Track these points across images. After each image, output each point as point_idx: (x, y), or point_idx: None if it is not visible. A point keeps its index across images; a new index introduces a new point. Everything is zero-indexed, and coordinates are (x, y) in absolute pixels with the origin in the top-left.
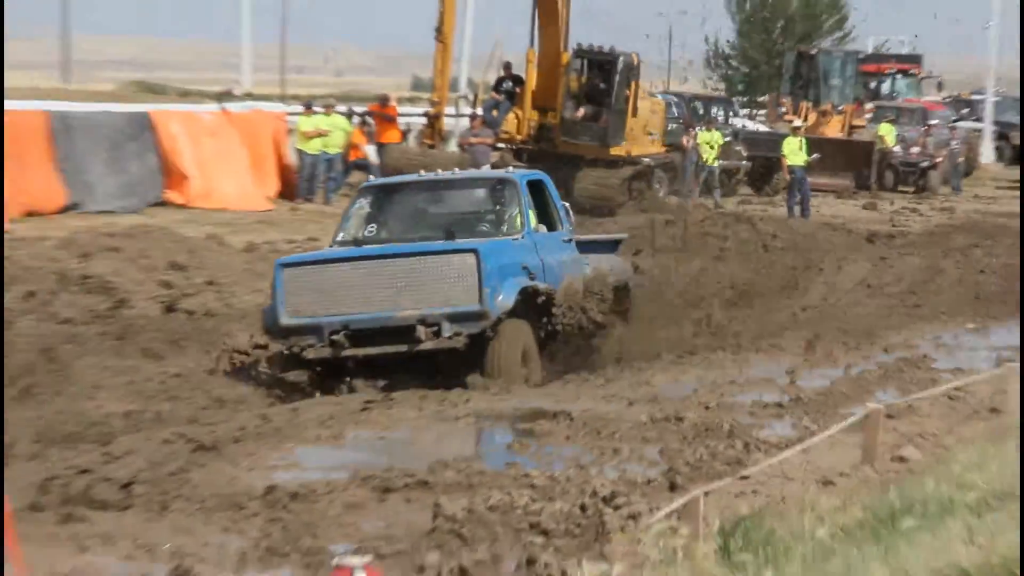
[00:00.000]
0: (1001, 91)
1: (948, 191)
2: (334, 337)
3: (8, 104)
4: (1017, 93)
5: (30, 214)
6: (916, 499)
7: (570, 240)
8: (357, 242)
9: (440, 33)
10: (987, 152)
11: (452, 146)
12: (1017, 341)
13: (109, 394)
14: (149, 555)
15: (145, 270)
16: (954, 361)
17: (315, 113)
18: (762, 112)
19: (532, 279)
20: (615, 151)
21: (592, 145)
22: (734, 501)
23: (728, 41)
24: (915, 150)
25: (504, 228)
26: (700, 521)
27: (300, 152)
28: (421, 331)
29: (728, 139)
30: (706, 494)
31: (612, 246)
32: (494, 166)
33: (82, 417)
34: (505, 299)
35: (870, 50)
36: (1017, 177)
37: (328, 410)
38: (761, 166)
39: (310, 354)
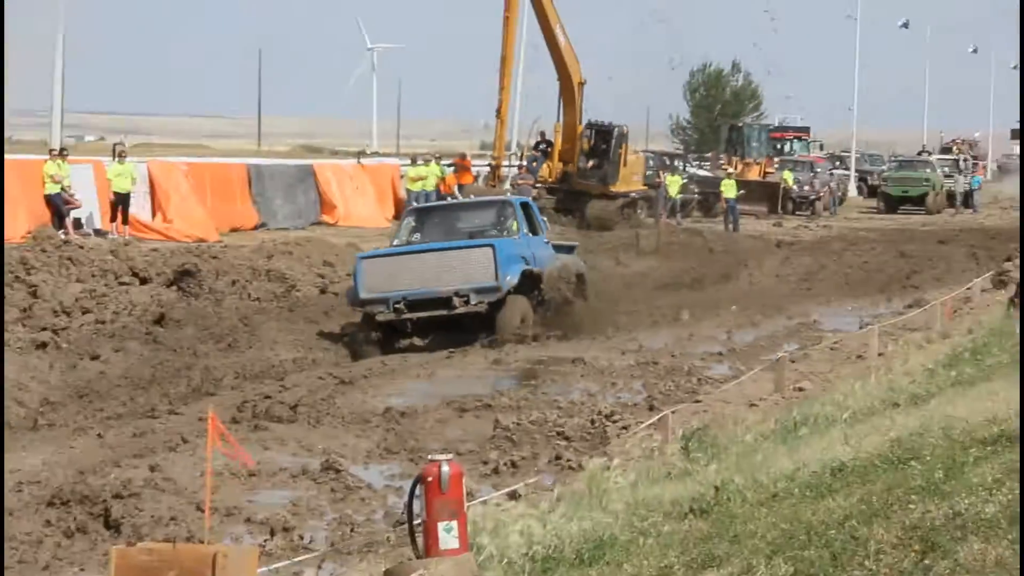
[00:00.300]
0: (860, 150)
1: (828, 215)
2: (396, 305)
3: (222, 160)
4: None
5: (234, 230)
6: (810, 415)
7: (548, 242)
8: (409, 244)
9: (499, 113)
10: (852, 190)
11: (506, 185)
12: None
13: (283, 347)
14: (309, 452)
15: (307, 266)
16: (834, 325)
17: (417, 164)
18: (707, 163)
19: (528, 265)
20: (612, 188)
21: (597, 185)
22: (691, 417)
23: (685, 118)
24: (807, 187)
25: (506, 232)
26: (669, 430)
27: (408, 190)
28: (456, 300)
29: (685, 180)
30: (673, 412)
31: (571, 249)
32: (534, 199)
33: (266, 362)
34: (512, 278)
35: (776, 123)
36: (871, 207)
37: (424, 358)
38: (706, 198)
39: (380, 318)
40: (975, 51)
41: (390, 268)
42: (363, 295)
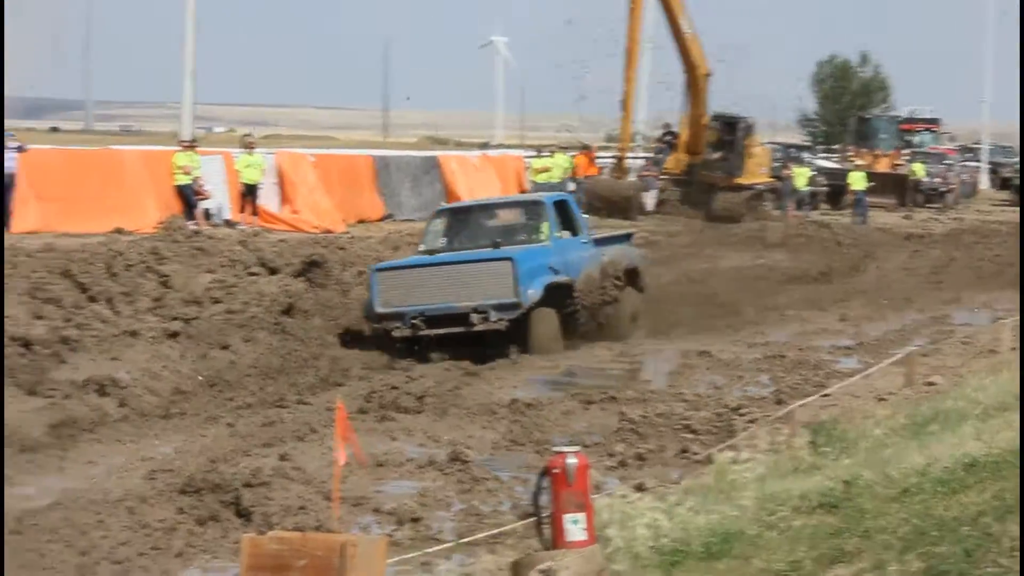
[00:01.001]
0: (992, 142)
1: (958, 207)
2: (414, 321)
3: (349, 151)
4: (1006, 143)
5: (361, 221)
6: (940, 410)
7: (587, 241)
8: (432, 251)
9: (623, 105)
10: (984, 182)
11: (632, 177)
12: (1011, 306)
13: None
14: (435, 443)
15: None
16: (964, 318)
17: (543, 155)
18: (835, 155)
19: (556, 273)
20: (738, 180)
21: (724, 176)
22: (819, 411)
23: (813, 110)
24: (937, 180)
25: (535, 237)
26: (796, 424)
27: (533, 181)
28: (474, 317)
29: (813, 172)
30: (800, 406)
31: (626, 238)
32: (660, 190)
33: (392, 353)
34: (535, 292)
35: (905, 115)
36: (1003, 199)
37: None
38: (834, 190)
39: (396, 334)
40: None
41: (407, 281)
42: (379, 309)
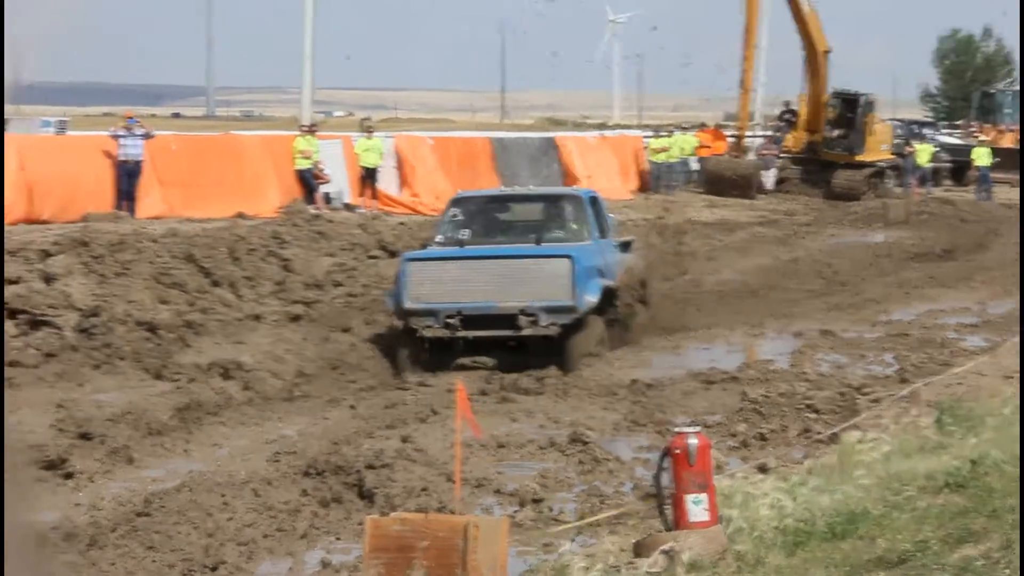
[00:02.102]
0: None
1: None
2: (449, 320)
3: (467, 133)
4: None
5: None
6: None
7: (616, 245)
8: (460, 243)
9: (742, 84)
10: None
11: (751, 156)
12: None
13: None
14: (556, 424)
15: None
16: None
17: (661, 136)
18: (958, 131)
19: (604, 279)
20: (859, 158)
21: (844, 154)
22: (945, 389)
23: (935, 85)
24: None
25: (574, 235)
26: (922, 403)
27: (651, 161)
28: (522, 320)
29: (936, 149)
30: (925, 385)
31: (627, 246)
32: (779, 168)
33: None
34: (592, 297)
35: None
36: None
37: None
38: (958, 167)
39: (427, 333)
40: None
41: (444, 274)
42: (408, 304)
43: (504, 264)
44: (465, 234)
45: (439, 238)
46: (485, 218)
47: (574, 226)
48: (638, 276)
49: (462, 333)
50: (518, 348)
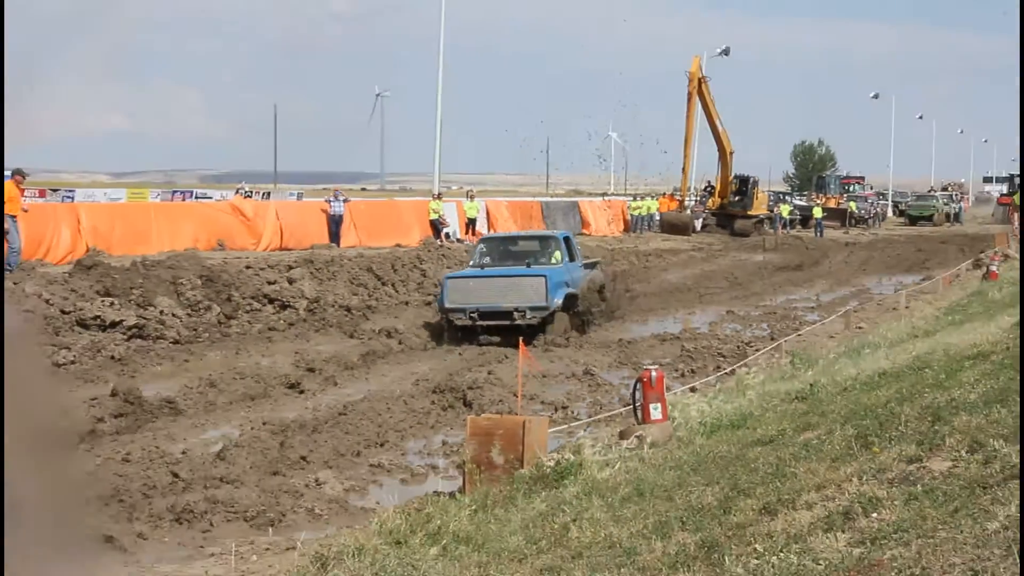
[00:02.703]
0: (895, 188)
1: (875, 227)
2: (472, 315)
3: (526, 198)
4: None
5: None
6: (865, 343)
7: (581, 265)
8: (482, 266)
9: (684, 169)
10: (890, 212)
11: (688, 211)
12: (906, 282)
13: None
14: (575, 364)
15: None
16: (879, 290)
17: (637, 200)
18: (804, 197)
19: (569, 288)
20: (749, 212)
21: (740, 210)
22: (796, 344)
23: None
24: (863, 211)
25: (552, 261)
26: (783, 351)
27: (631, 215)
28: (516, 315)
29: (792, 207)
30: (785, 340)
31: (595, 265)
32: (704, 219)
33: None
34: (558, 300)
35: (845, 174)
36: (901, 222)
37: (654, 308)
38: (804, 218)
39: (458, 323)
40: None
41: (468, 286)
42: (447, 305)
43: (505, 280)
44: (486, 260)
45: (472, 262)
46: (500, 250)
47: (553, 255)
48: (598, 284)
49: (479, 323)
50: (514, 331)
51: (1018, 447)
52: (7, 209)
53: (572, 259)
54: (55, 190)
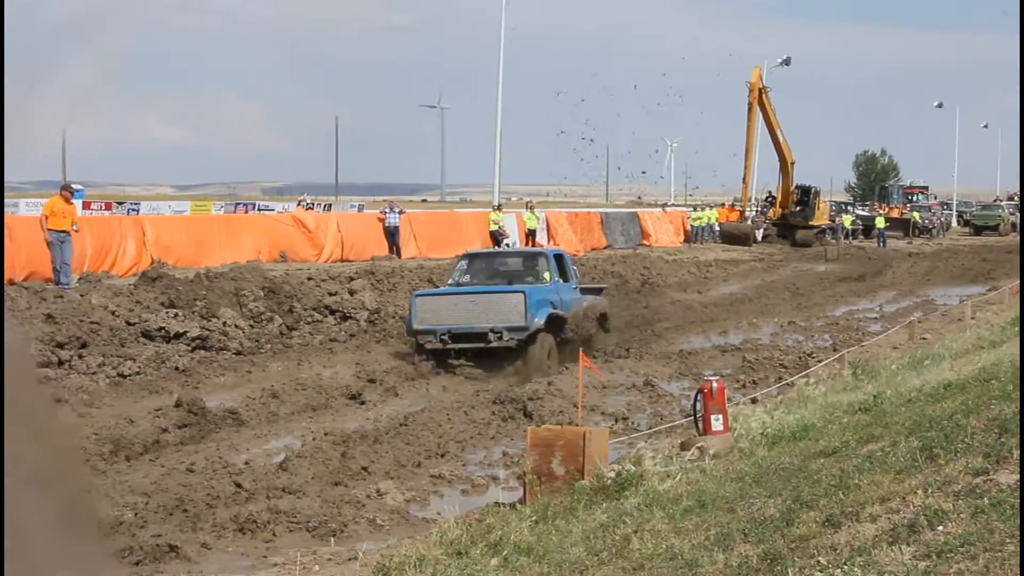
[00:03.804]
0: (959, 198)
1: (939, 237)
2: (442, 337)
3: (586, 209)
4: (967, 199)
5: (593, 249)
6: (930, 354)
7: (576, 287)
8: (460, 284)
9: (744, 180)
10: (954, 222)
11: (749, 221)
12: (972, 293)
13: (616, 316)
14: (636, 375)
15: (633, 269)
16: (944, 300)
17: (697, 210)
18: (867, 207)
19: (555, 308)
20: (811, 223)
21: (802, 220)
22: (859, 355)
23: (853, 182)
24: (926, 221)
25: (539, 279)
26: (845, 362)
27: (692, 225)
28: (491, 336)
29: (854, 217)
30: (847, 352)
31: (600, 291)
32: (765, 230)
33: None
34: (539, 320)
35: (908, 183)
36: (965, 232)
37: (712, 318)
38: (866, 228)
39: (428, 346)
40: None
41: (439, 305)
42: (415, 326)
43: (479, 297)
44: (467, 279)
45: (450, 280)
46: (483, 268)
47: (541, 273)
48: (598, 312)
49: (451, 345)
50: (491, 355)
51: None
52: (52, 224)
53: (565, 279)
54: (120, 203)
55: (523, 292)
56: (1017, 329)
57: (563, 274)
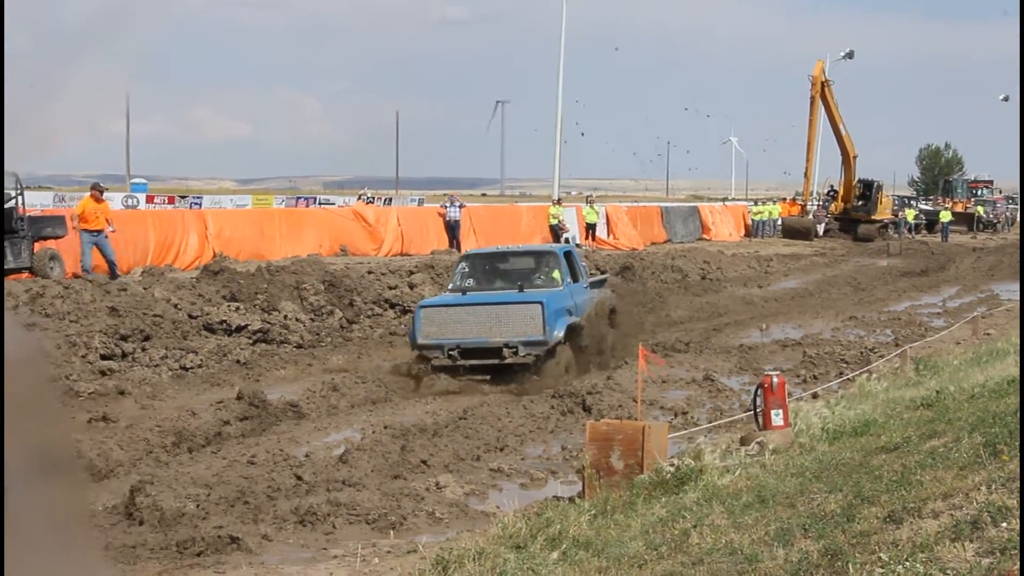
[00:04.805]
0: None
1: (1003, 232)
2: (451, 352)
3: (646, 203)
4: None
5: (652, 243)
6: (993, 349)
7: (587, 286)
8: (463, 291)
9: (806, 174)
10: (1018, 216)
11: (811, 216)
12: None
13: (680, 309)
14: (696, 369)
15: (694, 263)
16: (1008, 295)
17: (758, 204)
18: (930, 201)
19: (571, 316)
20: (873, 217)
21: (864, 215)
22: (921, 350)
23: (917, 176)
24: (991, 215)
25: (551, 282)
26: (907, 358)
27: (752, 219)
28: (506, 352)
29: (917, 212)
30: (910, 347)
31: (602, 283)
32: (827, 224)
33: (669, 318)
34: (559, 332)
35: (972, 178)
36: None
37: (772, 312)
38: (930, 222)
39: (435, 363)
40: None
41: (446, 317)
42: (420, 340)
43: (492, 309)
44: (469, 283)
45: (451, 286)
46: (486, 269)
47: (551, 275)
48: (608, 307)
49: (461, 362)
50: (505, 368)
51: None
52: (86, 225)
53: (575, 278)
54: (183, 197)
55: (541, 303)
56: None
57: (573, 273)
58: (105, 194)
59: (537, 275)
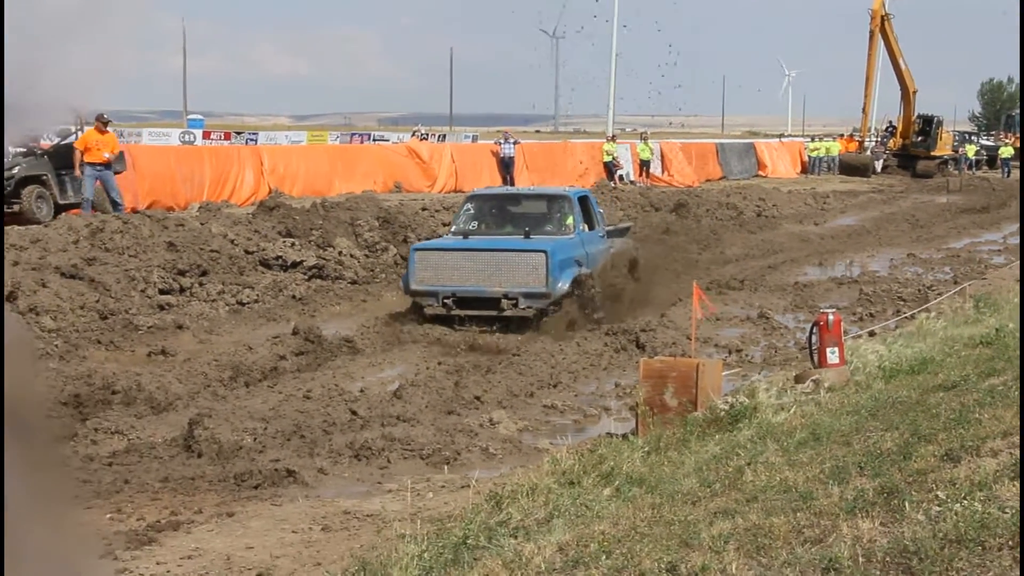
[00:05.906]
0: None
1: None
2: (446, 300)
3: (701, 140)
4: None
5: (707, 180)
6: None
7: (603, 235)
8: (465, 234)
9: (864, 110)
10: None
11: (868, 152)
12: None
13: (735, 247)
14: (751, 307)
15: (750, 200)
16: None
17: (815, 141)
18: (991, 137)
19: (580, 266)
20: (933, 153)
21: (923, 151)
22: (980, 287)
23: (978, 111)
24: None
25: (562, 229)
26: (966, 296)
27: (809, 156)
28: (504, 303)
29: (978, 148)
30: (969, 284)
31: (625, 231)
32: (885, 159)
33: (724, 256)
34: (564, 285)
35: None
36: None
37: (830, 250)
38: (991, 158)
39: (428, 311)
40: None
41: (442, 262)
42: (414, 286)
43: (492, 256)
44: (473, 226)
45: (453, 228)
46: (493, 212)
47: (563, 221)
48: (627, 259)
49: (456, 311)
50: (503, 319)
51: None
52: (88, 157)
53: (591, 226)
54: (239, 133)
55: (545, 252)
56: None
57: (588, 220)
58: (148, 130)
59: (547, 221)
